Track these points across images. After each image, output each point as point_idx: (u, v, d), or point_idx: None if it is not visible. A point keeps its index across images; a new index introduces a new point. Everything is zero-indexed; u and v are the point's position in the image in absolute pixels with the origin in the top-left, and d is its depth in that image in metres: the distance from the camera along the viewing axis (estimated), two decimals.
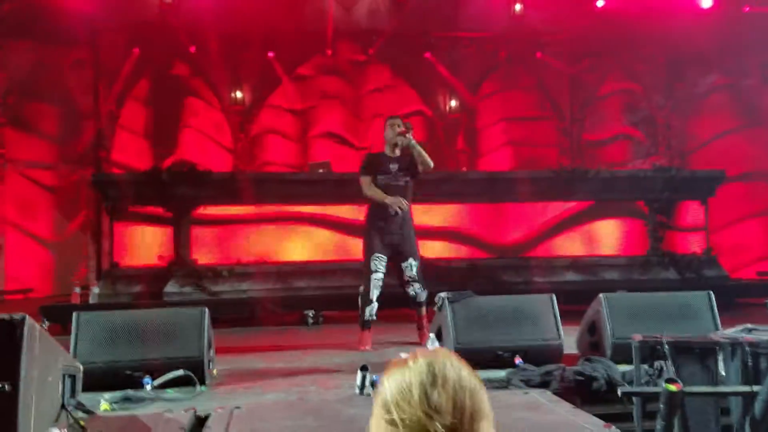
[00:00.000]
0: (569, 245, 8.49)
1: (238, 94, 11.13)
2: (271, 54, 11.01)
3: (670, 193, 8.07)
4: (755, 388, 2.70)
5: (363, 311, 5.20)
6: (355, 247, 8.01)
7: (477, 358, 4.19)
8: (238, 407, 3.10)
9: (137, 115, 10.93)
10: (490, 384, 3.80)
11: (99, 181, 7.81)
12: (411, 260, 5.25)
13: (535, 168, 9.78)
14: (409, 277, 5.25)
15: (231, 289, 7.09)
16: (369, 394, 3.50)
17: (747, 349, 2.79)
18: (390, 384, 1.21)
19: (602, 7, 10.56)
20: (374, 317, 5.22)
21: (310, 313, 6.69)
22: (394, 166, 5.30)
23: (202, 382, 3.88)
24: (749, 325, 3.12)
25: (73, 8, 9.98)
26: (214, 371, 4.20)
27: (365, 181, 5.29)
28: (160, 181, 7.21)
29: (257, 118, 11.40)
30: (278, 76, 11.29)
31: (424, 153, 5.26)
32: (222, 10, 10.52)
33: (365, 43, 11.33)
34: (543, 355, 4.13)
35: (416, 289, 5.27)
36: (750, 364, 2.77)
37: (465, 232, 8.45)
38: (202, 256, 7.45)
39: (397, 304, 6.80)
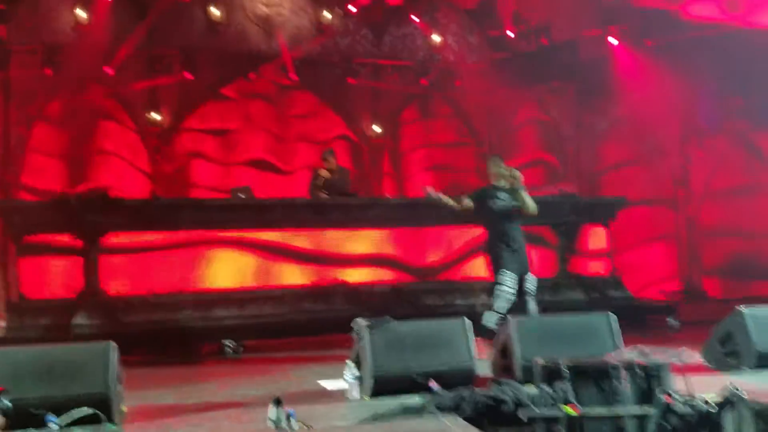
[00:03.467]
0: (484, 268, 8.69)
1: (156, 116, 10.83)
2: (190, 76, 10.80)
3: (575, 218, 8.45)
4: (648, 408, 2.85)
5: None
6: (278, 273, 7.97)
7: (395, 384, 4.29)
8: None
9: (52, 138, 10.51)
10: (407, 411, 3.83)
11: (2, 208, 7.41)
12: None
13: (455, 192, 9.96)
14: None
15: (144, 320, 6.83)
16: (286, 429, 3.44)
17: (638, 371, 2.94)
18: None
19: (514, 39, 11.16)
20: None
21: (229, 342, 6.53)
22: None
23: (111, 420, 3.76)
24: (640, 347, 3.30)
25: None
26: (123, 408, 4.06)
27: None
28: (69, 208, 6.90)
29: (178, 141, 11.16)
30: (198, 97, 11.11)
31: None
32: (140, 30, 10.32)
33: (288, 68, 11.33)
34: (456, 379, 4.18)
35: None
36: (643, 386, 2.92)
37: (389, 257, 8.52)
38: (114, 286, 7.15)
39: (320, 330, 6.76)
